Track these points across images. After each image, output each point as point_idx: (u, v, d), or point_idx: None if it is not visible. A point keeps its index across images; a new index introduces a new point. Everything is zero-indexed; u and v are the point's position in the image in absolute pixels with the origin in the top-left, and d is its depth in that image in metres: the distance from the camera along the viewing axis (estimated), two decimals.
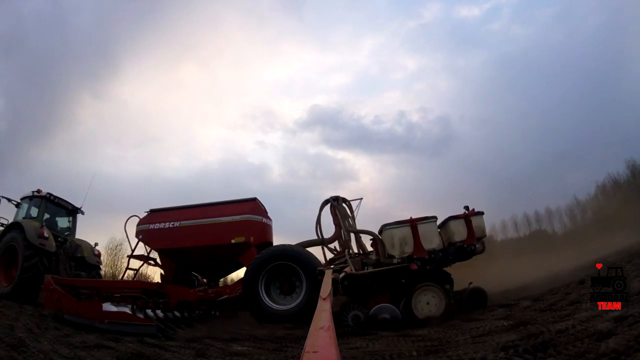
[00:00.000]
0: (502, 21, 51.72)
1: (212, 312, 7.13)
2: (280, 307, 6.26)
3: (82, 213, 10.41)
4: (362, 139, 52.50)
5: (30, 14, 42.12)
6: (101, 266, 10.24)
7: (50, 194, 9.66)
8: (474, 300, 5.55)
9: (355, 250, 7.00)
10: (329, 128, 54.78)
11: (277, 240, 7.88)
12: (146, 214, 7.81)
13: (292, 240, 7.12)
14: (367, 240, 7.00)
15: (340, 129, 53.76)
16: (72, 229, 10.24)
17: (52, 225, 9.57)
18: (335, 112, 53.98)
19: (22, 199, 9.77)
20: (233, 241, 7.08)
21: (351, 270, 5.64)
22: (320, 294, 3.58)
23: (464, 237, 5.93)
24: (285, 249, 6.68)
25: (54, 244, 8.67)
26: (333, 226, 7.24)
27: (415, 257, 5.70)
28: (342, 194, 7.30)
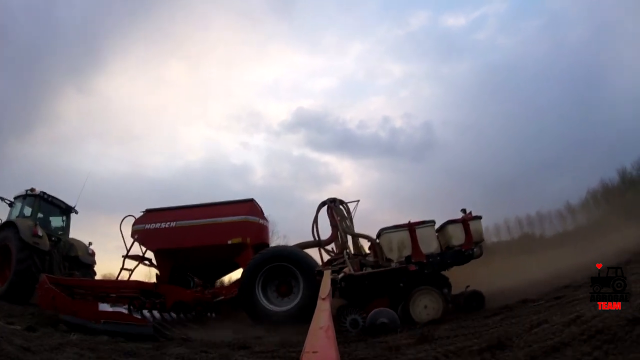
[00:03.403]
0: (488, 31, 52.64)
1: (208, 314, 7.08)
2: (277, 308, 6.24)
3: (76, 212, 10.33)
4: (346, 142, 53.06)
5: (17, 5, 41.83)
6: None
7: (44, 193, 9.57)
8: (472, 303, 5.56)
9: (353, 252, 7.00)
10: (313, 131, 55.32)
11: None
12: (142, 213, 7.76)
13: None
14: (365, 243, 7.01)
15: (324, 132, 54.31)
16: (65, 228, 10.15)
17: (45, 224, 9.47)
18: (320, 116, 54.56)
19: (15, 198, 9.68)
20: (230, 242, 7.04)
21: (350, 271, 5.63)
22: (319, 294, 3.58)
23: (461, 241, 5.94)
24: (282, 250, 6.66)
25: (47, 242, 8.58)
26: (330, 228, 7.23)
27: (413, 260, 5.71)
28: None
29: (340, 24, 58.20)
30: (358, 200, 7.51)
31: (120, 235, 7.65)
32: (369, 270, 5.82)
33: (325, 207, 7.24)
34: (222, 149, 56.54)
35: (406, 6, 61.79)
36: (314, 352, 1.83)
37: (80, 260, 9.44)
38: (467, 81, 48.05)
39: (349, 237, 7.06)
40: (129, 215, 7.71)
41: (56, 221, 10.12)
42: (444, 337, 3.65)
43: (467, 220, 6.03)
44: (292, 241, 7.47)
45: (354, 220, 7.38)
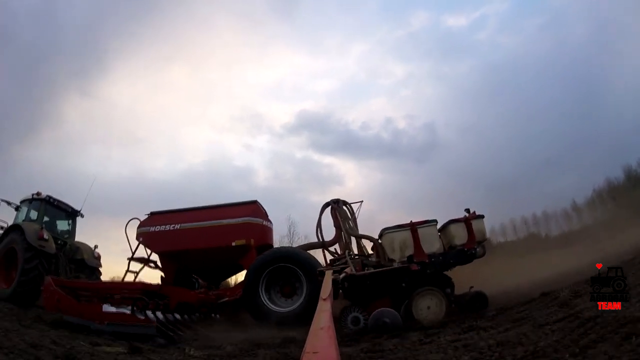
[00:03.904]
0: (488, 31, 52.75)
1: (213, 315, 7.10)
2: (281, 309, 6.25)
3: (82, 216, 10.39)
4: (349, 144, 53.18)
5: (21, 8, 42.36)
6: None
7: (50, 197, 9.64)
8: (475, 304, 5.52)
9: (356, 252, 6.99)
10: (316, 133, 55.49)
11: None
12: (147, 216, 7.81)
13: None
14: (367, 243, 7.00)
15: (327, 133, 54.49)
16: (71, 231, 10.20)
17: (51, 227, 9.54)
18: (323, 117, 54.75)
19: (21, 202, 9.75)
20: (234, 243, 7.07)
21: (351, 271, 5.62)
22: (321, 294, 3.58)
23: (464, 241, 5.91)
24: (286, 251, 6.68)
25: (53, 245, 8.64)
26: (334, 229, 7.24)
27: (415, 260, 5.69)
28: (328, 198, 7.32)
29: (341, 25, 58.50)
30: (361, 201, 7.52)
31: (126, 237, 7.72)
32: (371, 270, 5.81)
33: (329, 208, 7.25)
34: (225, 151, 56.87)
35: (407, 6, 62.02)
36: (314, 353, 1.84)
37: (86, 263, 9.49)
38: (469, 81, 48.12)
39: (353, 238, 7.07)
40: (134, 218, 7.78)
41: (62, 225, 10.17)
42: None
43: (469, 219, 6.00)
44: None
45: (357, 221, 7.40)
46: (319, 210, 7.34)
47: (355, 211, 7.41)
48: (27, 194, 9.70)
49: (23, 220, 9.19)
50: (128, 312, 5.21)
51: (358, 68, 58.97)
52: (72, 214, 10.22)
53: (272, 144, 55.84)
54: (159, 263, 7.83)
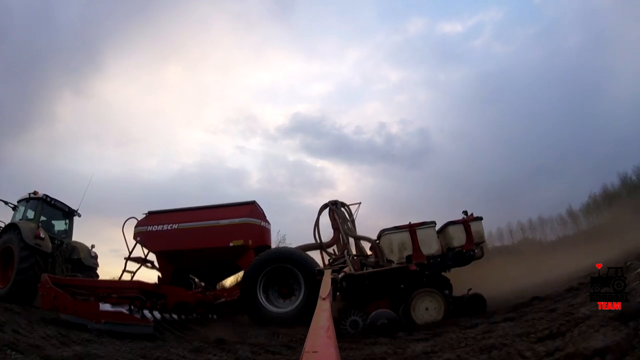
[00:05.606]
0: (483, 38, 53.19)
1: (209, 315, 7.07)
2: (278, 310, 6.22)
3: (79, 215, 10.37)
4: (342, 148, 53.44)
5: (18, 6, 42.33)
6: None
7: (47, 196, 9.61)
8: (473, 306, 5.53)
9: (354, 253, 7.00)
10: (310, 136, 55.66)
11: None
12: (144, 215, 7.79)
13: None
14: (366, 244, 7.00)
15: (321, 137, 54.67)
16: (68, 231, 10.18)
17: (48, 227, 9.51)
18: (317, 121, 54.98)
19: (18, 202, 9.73)
20: (231, 244, 7.06)
21: (350, 270, 5.62)
22: (320, 293, 3.57)
23: (462, 243, 5.93)
24: (283, 252, 6.66)
25: (50, 244, 8.62)
26: (331, 230, 7.24)
27: (414, 262, 5.70)
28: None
29: (338, 30, 58.84)
30: (359, 203, 7.52)
31: (123, 237, 7.68)
32: (370, 269, 5.81)
33: (327, 209, 7.25)
34: (218, 153, 56.89)
35: (404, 13, 62.49)
36: (314, 352, 1.82)
37: (82, 262, 9.47)
38: (464, 87, 48.49)
39: (351, 239, 7.07)
40: (132, 218, 7.75)
41: (59, 224, 10.15)
42: None
43: (467, 221, 6.02)
44: None
45: (355, 223, 7.40)
46: (315, 212, 7.36)
47: (353, 213, 7.43)
48: (22, 193, 9.68)
49: (20, 220, 9.16)
50: (125, 311, 5.18)
51: (353, 72, 59.48)
52: (69, 214, 10.21)
53: (266, 147, 56.01)
54: (156, 263, 7.81)
